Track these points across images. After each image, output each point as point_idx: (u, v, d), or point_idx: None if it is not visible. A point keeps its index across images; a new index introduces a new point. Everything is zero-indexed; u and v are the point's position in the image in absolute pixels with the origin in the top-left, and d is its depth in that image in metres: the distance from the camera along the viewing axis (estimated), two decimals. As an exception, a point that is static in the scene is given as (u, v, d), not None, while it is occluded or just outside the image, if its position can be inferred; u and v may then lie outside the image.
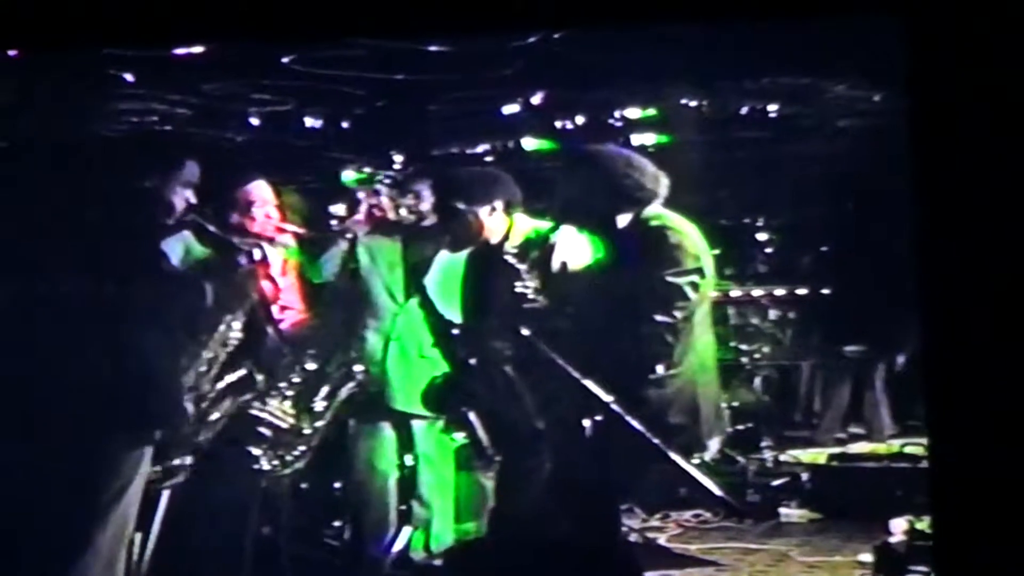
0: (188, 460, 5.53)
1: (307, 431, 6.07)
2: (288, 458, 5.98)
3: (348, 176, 7.46)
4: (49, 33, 4.50)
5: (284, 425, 5.94)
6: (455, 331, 6.30)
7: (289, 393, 6.01)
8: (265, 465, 5.91)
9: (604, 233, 5.95)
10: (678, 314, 5.77)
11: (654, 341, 5.77)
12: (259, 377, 5.87)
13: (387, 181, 7.16)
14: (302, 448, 6.03)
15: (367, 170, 7.43)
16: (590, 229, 6.00)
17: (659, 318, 5.74)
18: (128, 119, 9.19)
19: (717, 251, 6.39)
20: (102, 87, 8.23)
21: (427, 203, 7.00)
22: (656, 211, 5.94)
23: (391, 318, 7.02)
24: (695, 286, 5.81)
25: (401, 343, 6.98)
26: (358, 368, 6.46)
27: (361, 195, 7.10)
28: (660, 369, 5.80)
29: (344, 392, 6.29)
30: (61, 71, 6.59)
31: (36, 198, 5.09)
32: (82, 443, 4.93)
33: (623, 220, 5.94)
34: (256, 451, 5.88)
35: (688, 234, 5.89)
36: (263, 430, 5.89)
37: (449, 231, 6.54)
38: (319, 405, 6.15)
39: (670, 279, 5.77)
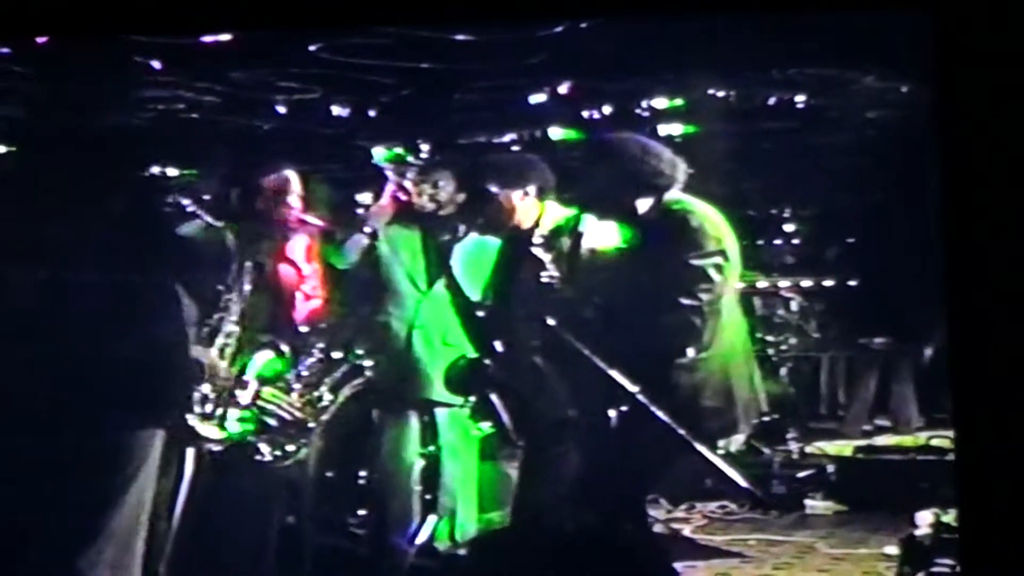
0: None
1: (311, 424, 6.09)
2: (289, 449, 5.99)
3: (379, 153, 7.44)
4: (76, 20, 4.50)
5: (289, 417, 5.96)
6: (481, 313, 6.32)
7: (297, 386, 6.04)
8: (266, 456, 5.93)
9: (626, 220, 5.96)
10: (704, 296, 5.77)
11: (682, 325, 5.77)
12: (284, 349, 5.91)
13: (414, 165, 7.15)
14: (303, 441, 6.04)
15: (398, 150, 7.42)
16: (612, 217, 6.01)
17: (685, 301, 5.74)
18: (155, 107, 9.21)
19: (744, 242, 6.38)
20: (129, 74, 8.24)
21: (445, 192, 7.00)
22: (676, 196, 5.95)
23: (414, 306, 7.01)
24: (719, 268, 5.82)
25: (425, 331, 6.98)
26: (368, 363, 6.46)
27: (390, 174, 7.08)
28: (691, 353, 5.80)
29: (348, 389, 6.30)
30: (88, 58, 6.60)
31: (61, 185, 5.10)
32: (93, 427, 4.94)
33: (644, 206, 5.95)
34: (259, 442, 5.91)
35: (709, 217, 5.90)
36: (269, 420, 5.91)
37: (481, 214, 6.55)
38: (325, 399, 6.16)
39: (693, 262, 5.77)
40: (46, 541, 4.98)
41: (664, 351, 5.76)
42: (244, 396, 5.78)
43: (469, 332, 6.37)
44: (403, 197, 7.00)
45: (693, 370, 5.83)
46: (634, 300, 5.81)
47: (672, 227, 5.87)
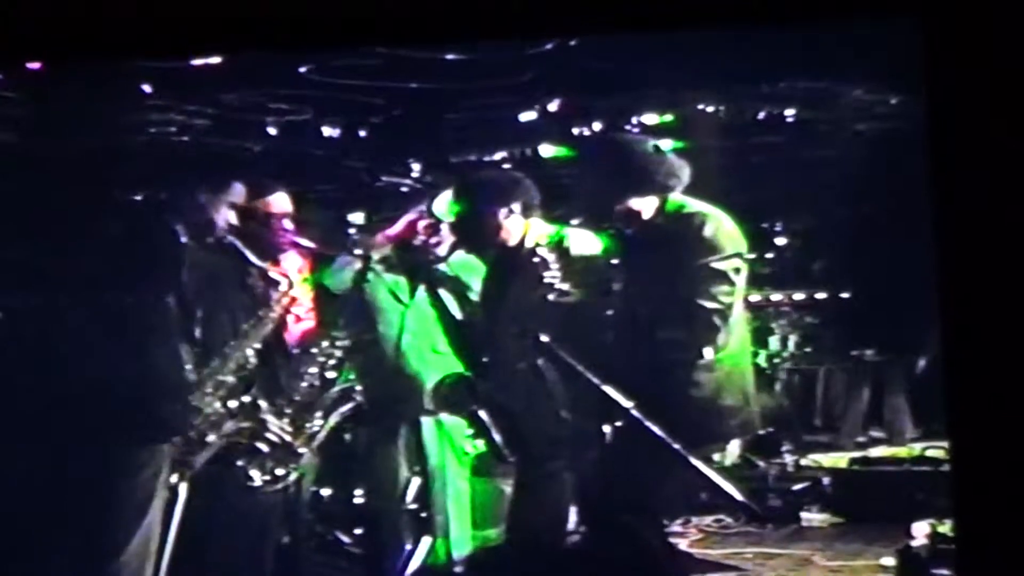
0: (175, 479, 5.58)
1: (301, 450, 6.09)
2: (279, 473, 5.99)
3: None
4: (67, 45, 4.51)
5: (280, 442, 5.96)
6: (467, 331, 6.34)
7: (288, 410, 6.04)
8: (256, 481, 5.93)
9: (627, 223, 5.98)
10: (724, 299, 5.79)
11: (704, 326, 5.80)
12: (262, 404, 5.91)
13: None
14: (293, 465, 6.04)
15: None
16: (618, 217, 6.02)
17: (706, 304, 5.76)
18: (147, 130, 9.21)
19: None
20: (120, 98, 8.24)
21: (442, 235, 6.95)
22: (685, 199, 5.99)
23: (399, 319, 6.99)
24: (737, 270, 5.86)
25: (413, 340, 6.95)
26: (360, 387, 6.47)
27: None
28: (708, 353, 5.83)
29: (336, 416, 6.31)
30: (79, 83, 6.61)
31: (55, 210, 5.11)
32: (105, 456, 4.95)
33: (651, 205, 5.97)
34: (249, 467, 5.90)
35: (722, 219, 5.93)
36: (260, 445, 5.91)
37: (466, 231, 6.56)
38: (315, 425, 6.17)
39: (715, 265, 5.80)
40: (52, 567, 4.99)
41: (687, 352, 5.80)
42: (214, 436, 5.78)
43: (457, 350, 6.38)
44: (420, 228, 6.94)
45: (713, 370, 5.86)
46: (654, 304, 5.83)
47: (689, 229, 5.89)
